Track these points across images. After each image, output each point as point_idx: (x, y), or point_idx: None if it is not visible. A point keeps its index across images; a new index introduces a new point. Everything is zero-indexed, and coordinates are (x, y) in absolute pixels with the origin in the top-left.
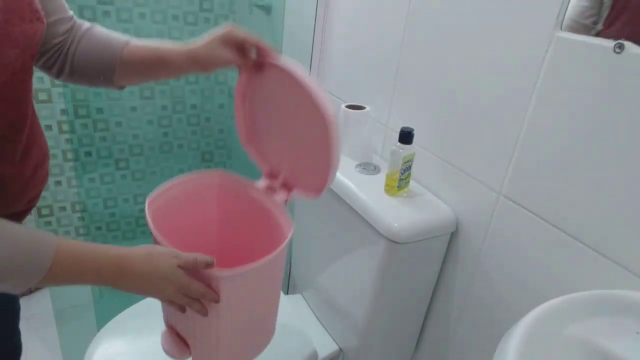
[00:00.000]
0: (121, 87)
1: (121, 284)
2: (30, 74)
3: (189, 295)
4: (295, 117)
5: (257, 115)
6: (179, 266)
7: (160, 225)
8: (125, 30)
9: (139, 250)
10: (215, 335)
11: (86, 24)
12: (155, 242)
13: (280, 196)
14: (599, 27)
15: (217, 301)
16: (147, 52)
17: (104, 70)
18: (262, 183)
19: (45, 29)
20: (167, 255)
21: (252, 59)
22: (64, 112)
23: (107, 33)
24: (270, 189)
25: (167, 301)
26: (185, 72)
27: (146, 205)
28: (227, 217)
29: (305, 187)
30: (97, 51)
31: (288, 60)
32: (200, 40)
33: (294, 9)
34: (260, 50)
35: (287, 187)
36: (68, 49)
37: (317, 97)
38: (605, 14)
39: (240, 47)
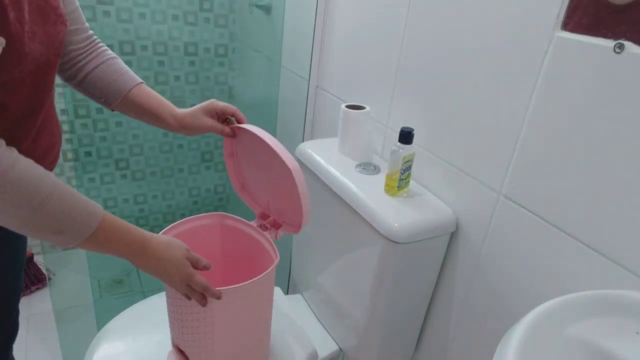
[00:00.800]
0: (114, 110)
1: (141, 261)
2: (53, 69)
3: (191, 286)
4: (271, 169)
5: (244, 168)
6: (187, 258)
7: None
8: (125, 31)
9: (161, 237)
10: (211, 348)
11: (109, 53)
12: None
13: (270, 233)
14: None
15: (218, 297)
16: (149, 102)
17: (109, 97)
18: (255, 222)
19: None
20: (181, 247)
21: (229, 126)
22: (64, 112)
23: (125, 69)
24: (263, 227)
25: (173, 286)
26: (173, 131)
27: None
28: (229, 250)
29: (289, 225)
30: (110, 80)
31: (255, 127)
32: (189, 110)
33: (294, 9)
34: (236, 117)
35: (276, 225)
36: (86, 64)
37: (280, 154)
38: None
39: (220, 115)
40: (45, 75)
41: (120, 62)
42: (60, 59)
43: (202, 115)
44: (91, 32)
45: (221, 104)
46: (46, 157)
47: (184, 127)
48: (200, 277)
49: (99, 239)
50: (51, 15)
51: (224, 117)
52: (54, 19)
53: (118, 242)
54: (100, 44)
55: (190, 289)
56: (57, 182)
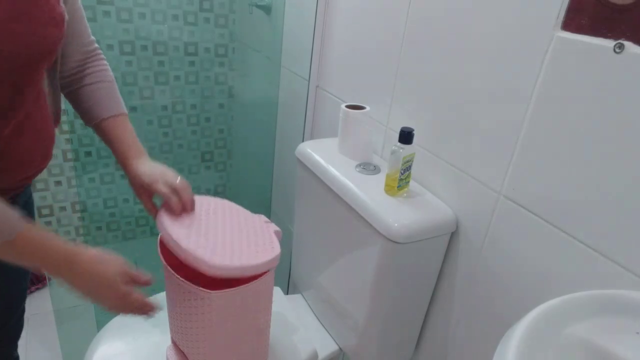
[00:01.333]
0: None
1: (68, 277)
2: (37, 72)
3: (127, 305)
4: None
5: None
6: (123, 274)
7: (171, 259)
8: (125, 31)
9: (90, 251)
10: (209, 347)
11: (103, 75)
12: (168, 274)
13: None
14: None
15: (152, 311)
16: (117, 140)
17: (85, 117)
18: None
19: (62, 36)
20: (116, 262)
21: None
22: (64, 112)
23: (110, 95)
24: (267, 222)
25: (105, 308)
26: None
27: (158, 241)
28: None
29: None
30: (90, 103)
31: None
32: (148, 173)
33: (294, 9)
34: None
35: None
36: (80, 79)
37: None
38: None
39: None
40: (24, 77)
41: (109, 86)
42: (50, 64)
43: (142, 192)
44: (95, 46)
45: (165, 190)
46: (32, 155)
47: (132, 184)
48: (138, 295)
49: (16, 245)
50: (40, 16)
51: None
52: (44, 21)
53: (38, 252)
54: (100, 63)
55: (128, 309)
56: None
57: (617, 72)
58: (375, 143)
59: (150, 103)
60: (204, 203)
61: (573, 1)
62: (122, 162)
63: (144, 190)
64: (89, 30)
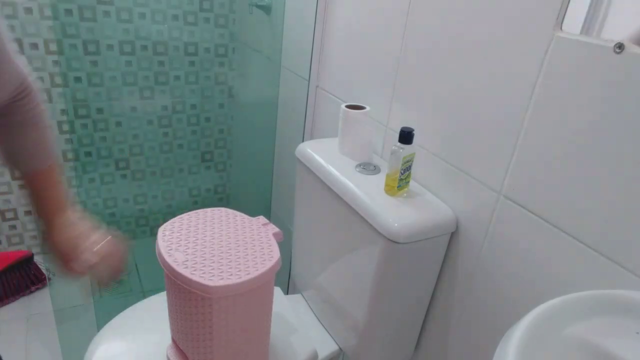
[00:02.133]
0: None
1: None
2: None
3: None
4: None
5: None
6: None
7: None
8: (125, 31)
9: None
10: (209, 346)
11: (32, 122)
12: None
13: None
14: None
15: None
16: (42, 197)
17: (7, 164)
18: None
19: None
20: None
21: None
22: (64, 112)
23: (37, 147)
24: (265, 225)
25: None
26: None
27: (159, 233)
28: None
29: None
30: (14, 150)
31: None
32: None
33: (294, 9)
34: None
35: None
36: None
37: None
38: None
39: None
40: None
41: (38, 136)
42: None
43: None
44: (26, 85)
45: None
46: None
47: (51, 251)
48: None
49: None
50: None
51: None
52: None
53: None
54: (29, 106)
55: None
56: None
57: (617, 72)
58: (375, 143)
59: (150, 103)
60: (200, 218)
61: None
62: (49, 236)
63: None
64: (14, 64)
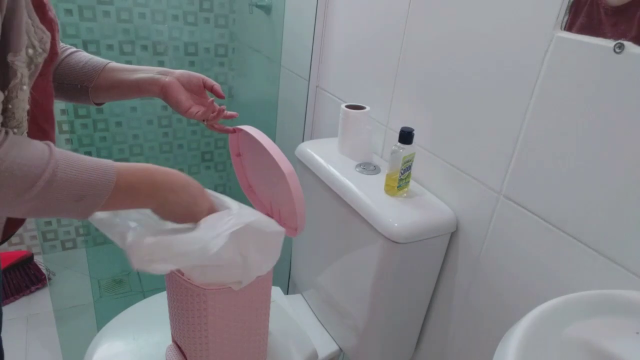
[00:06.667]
0: (97, 104)
1: (172, 195)
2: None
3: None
4: (270, 171)
5: (249, 168)
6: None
7: None
8: (125, 31)
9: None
10: (205, 345)
11: (71, 48)
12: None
13: None
14: None
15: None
16: (124, 74)
17: (84, 79)
18: None
19: None
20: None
21: (229, 128)
22: (64, 112)
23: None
24: None
25: (205, 212)
26: (154, 95)
27: None
28: None
29: (288, 228)
30: (80, 64)
31: (253, 129)
32: (171, 78)
33: (294, 9)
34: (214, 92)
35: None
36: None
37: (275, 156)
38: None
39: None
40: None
41: (84, 52)
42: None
43: (182, 90)
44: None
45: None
46: None
47: (165, 96)
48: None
49: (122, 188)
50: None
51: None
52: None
53: (142, 183)
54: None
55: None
56: (60, 154)
57: (617, 72)
58: (375, 143)
59: (150, 103)
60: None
61: (573, 1)
62: (152, 90)
63: (182, 94)
64: None
